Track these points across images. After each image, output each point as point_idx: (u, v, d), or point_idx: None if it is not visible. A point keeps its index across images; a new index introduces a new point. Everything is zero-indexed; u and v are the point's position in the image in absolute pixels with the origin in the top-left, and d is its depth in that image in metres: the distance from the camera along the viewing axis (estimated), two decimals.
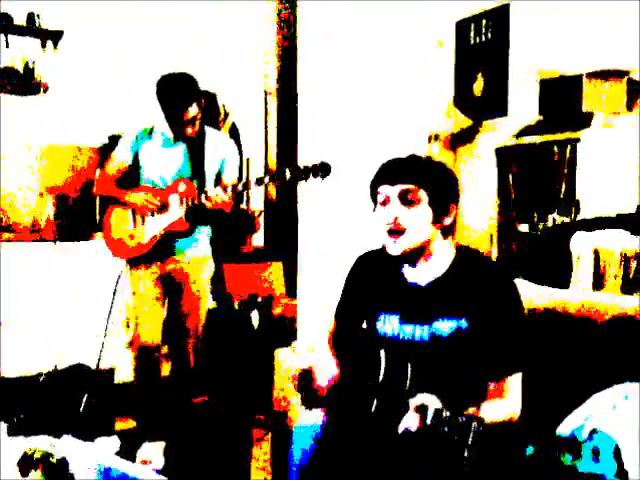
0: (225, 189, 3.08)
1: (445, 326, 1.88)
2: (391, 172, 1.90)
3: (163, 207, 3.21)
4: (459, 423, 1.55)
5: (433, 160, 2.00)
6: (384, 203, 1.89)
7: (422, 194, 1.85)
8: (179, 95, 3.12)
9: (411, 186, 1.85)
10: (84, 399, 2.76)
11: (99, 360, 3.51)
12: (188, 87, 3.14)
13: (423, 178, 1.86)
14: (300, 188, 3.28)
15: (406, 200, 1.86)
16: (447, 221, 1.90)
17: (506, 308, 1.87)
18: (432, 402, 1.63)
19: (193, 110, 3.13)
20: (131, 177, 3.31)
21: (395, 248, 1.89)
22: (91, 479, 2.02)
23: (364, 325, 2.08)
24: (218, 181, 3.27)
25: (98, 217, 4.30)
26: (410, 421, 1.66)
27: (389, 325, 1.97)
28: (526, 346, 1.88)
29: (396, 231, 1.87)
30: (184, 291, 3.33)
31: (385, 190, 1.88)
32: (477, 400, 1.80)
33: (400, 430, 1.68)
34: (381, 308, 2.00)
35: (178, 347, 3.37)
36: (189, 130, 3.18)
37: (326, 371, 2.02)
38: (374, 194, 1.93)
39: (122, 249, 3.30)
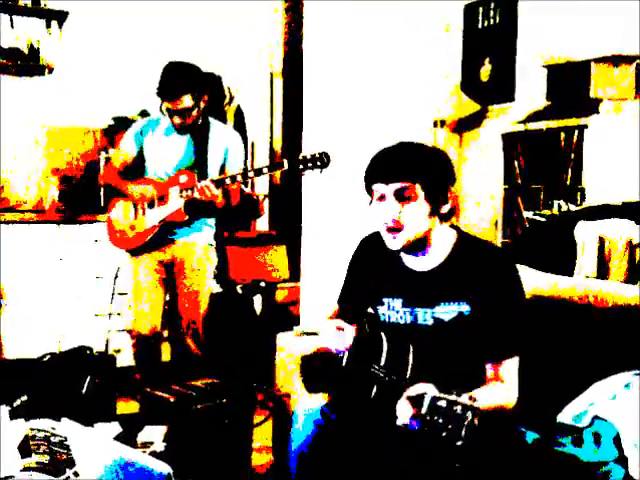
0: (214, 182, 3.08)
1: (447, 310, 1.89)
2: (384, 170, 1.86)
3: (162, 199, 3.22)
4: (454, 414, 1.53)
5: (425, 147, 1.92)
6: (380, 199, 1.87)
7: (418, 189, 1.83)
8: (170, 84, 3.12)
9: (406, 184, 1.82)
10: (86, 382, 2.77)
11: (107, 343, 3.54)
12: (180, 77, 3.12)
13: (418, 174, 1.83)
14: (305, 173, 3.27)
15: (402, 197, 1.83)
16: (445, 209, 1.89)
17: (506, 291, 1.87)
18: (429, 391, 1.61)
19: (186, 101, 3.11)
20: (137, 169, 3.33)
21: (395, 244, 1.88)
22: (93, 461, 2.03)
23: (369, 310, 2.08)
24: (222, 173, 3.27)
25: (103, 200, 4.31)
26: (403, 410, 1.65)
27: (393, 309, 1.98)
28: (524, 329, 1.88)
29: (395, 228, 1.86)
30: (183, 278, 3.34)
31: (380, 188, 1.86)
32: (476, 385, 1.80)
33: (399, 423, 1.67)
34: (384, 292, 2.00)
35: (177, 333, 3.39)
36: (176, 120, 3.17)
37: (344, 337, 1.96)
38: (369, 189, 1.90)
39: (123, 240, 3.34)
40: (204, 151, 3.26)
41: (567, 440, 1.94)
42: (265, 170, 3.10)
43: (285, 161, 2.95)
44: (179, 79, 3.11)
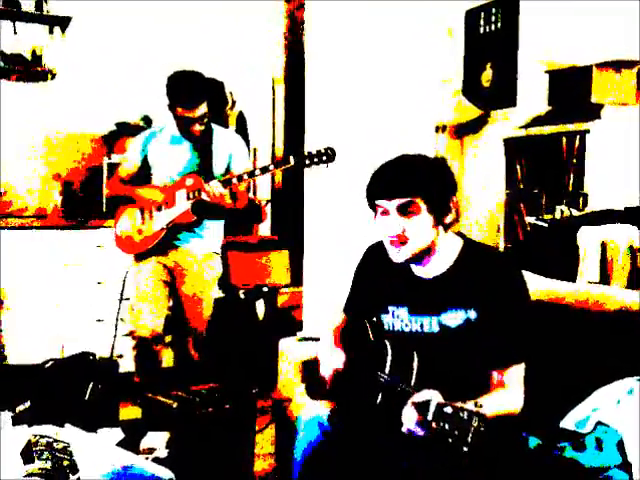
0: (222, 182, 3.09)
1: (454, 317, 1.89)
2: (386, 187, 1.85)
3: (168, 202, 3.24)
4: (460, 420, 1.53)
5: (426, 159, 1.90)
6: (384, 213, 1.87)
7: (420, 203, 1.83)
8: (189, 93, 3.14)
9: (408, 199, 1.82)
10: (89, 387, 2.77)
11: (112, 349, 3.54)
12: (198, 86, 3.16)
13: (419, 189, 1.83)
14: (307, 177, 3.28)
15: (405, 212, 1.84)
16: (448, 219, 1.89)
17: (512, 297, 1.87)
18: (434, 397, 1.61)
19: (202, 109, 3.15)
20: (142, 178, 3.35)
21: (399, 257, 1.89)
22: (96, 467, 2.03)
23: (374, 319, 2.09)
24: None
25: (105, 206, 4.31)
26: (409, 416, 1.65)
27: (398, 317, 1.99)
28: (530, 336, 1.88)
29: (399, 242, 1.86)
30: (184, 285, 3.34)
31: (383, 204, 1.86)
32: (481, 392, 1.79)
33: (404, 429, 1.67)
34: (390, 300, 2.01)
35: (180, 338, 3.39)
36: (196, 127, 3.19)
37: (329, 362, 2.03)
38: (372, 205, 1.91)
39: (130, 245, 3.35)
40: (209, 157, 3.27)
41: (569, 445, 1.94)
42: (272, 167, 3.10)
43: (291, 157, 2.95)
44: (196, 88, 3.14)
